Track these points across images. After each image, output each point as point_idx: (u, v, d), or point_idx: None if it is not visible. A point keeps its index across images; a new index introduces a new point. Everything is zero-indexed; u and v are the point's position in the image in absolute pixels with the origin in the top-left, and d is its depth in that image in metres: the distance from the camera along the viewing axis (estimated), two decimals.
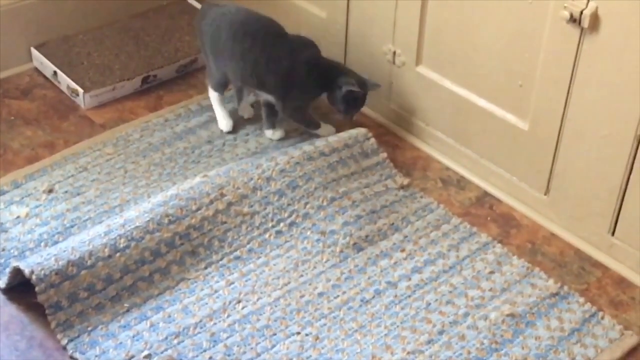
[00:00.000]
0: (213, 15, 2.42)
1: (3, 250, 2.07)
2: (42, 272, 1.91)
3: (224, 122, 2.49)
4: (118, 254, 1.99)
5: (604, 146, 2.03)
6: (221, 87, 2.49)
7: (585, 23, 1.92)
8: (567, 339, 1.93)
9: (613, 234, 2.11)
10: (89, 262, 1.96)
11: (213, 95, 2.51)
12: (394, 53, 2.45)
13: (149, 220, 2.05)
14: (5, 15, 2.63)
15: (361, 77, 2.38)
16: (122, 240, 2.00)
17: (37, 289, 1.91)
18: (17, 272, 1.95)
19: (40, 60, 2.69)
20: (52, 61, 2.66)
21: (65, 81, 2.61)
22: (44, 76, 2.70)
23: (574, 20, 1.93)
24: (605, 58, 1.94)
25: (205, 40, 2.44)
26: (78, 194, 2.25)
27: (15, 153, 2.39)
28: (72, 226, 2.14)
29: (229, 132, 2.49)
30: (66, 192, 2.26)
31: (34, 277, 1.91)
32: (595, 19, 1.91)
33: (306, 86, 2.38)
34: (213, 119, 2.53)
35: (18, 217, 2.17)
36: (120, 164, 2.37)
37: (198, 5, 2.94)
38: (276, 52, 2.35)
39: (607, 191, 2.07)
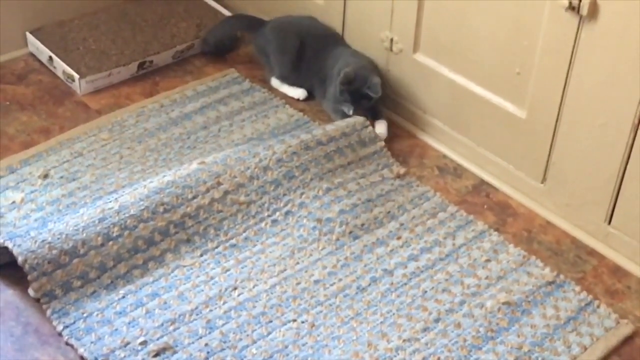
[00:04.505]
0: (281, 21, 2.61)
1: None
2: (35, 260, 1.91)
3: (296, 92, 2.59)
4: (111, 243, 1.99)
5: (602, 135, 2.02)
6: (286, 80, 2.62)
7: (584, 11, 1.91)
8: (563, 327, 1.93)
9: (609, 222, 2.11)
10: (82, 251, 1.96)
11: (276, 81, 2.62)
12: (392, 40, 2.44)
13: (143, 209, 2.04)
14: (1, 0, 2.61)
15: (371, 90, 2.38)
16: (116, 228, 2.00)
17: (29, 277, 1.91)
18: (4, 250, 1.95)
19: (35, 45, 2.68)
20: (48, 46, 2.64)
21: (60, 66, 2.60)
22: (40, 61, 2.68)
23: (573, 8, 1.93)
24: (603, 46, 1.93)
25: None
26: (73, 180, 2.25)
27: (10, 138, 2.38)
28: (67, 211, 2.13)
29: (305, 99, 2.59)
30: (61, 177, 2.25)
31: (26, 265, 1.91)
32: (594, 7, 1.90)
33: (337, 99, 2.44)
34: (209, 104, 2.53)
35: (13, 202, 2.16)
36: (116, 150, 2.36)
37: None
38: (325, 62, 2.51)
39: (604, 180, 2.07)
